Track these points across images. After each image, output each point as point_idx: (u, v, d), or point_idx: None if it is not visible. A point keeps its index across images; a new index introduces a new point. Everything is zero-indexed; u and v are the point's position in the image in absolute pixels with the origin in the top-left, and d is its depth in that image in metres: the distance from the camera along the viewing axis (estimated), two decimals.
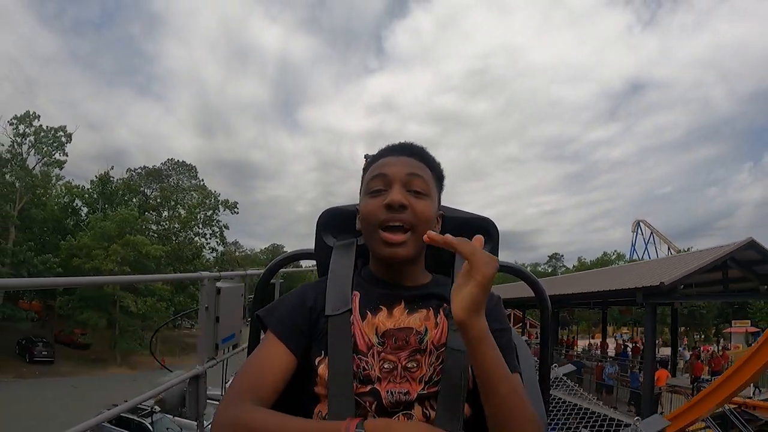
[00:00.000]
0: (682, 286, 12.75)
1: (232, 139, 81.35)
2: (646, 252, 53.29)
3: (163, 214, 40.90)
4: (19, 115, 29.64)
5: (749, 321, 29.80)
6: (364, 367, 0.84)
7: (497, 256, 1.07)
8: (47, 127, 30.25)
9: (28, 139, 29.93)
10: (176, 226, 39.95)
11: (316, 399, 0.86)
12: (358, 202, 1.01)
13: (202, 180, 43.15)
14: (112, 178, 38.95)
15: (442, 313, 0.90)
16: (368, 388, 0.83)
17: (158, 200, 40.78)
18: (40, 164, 31.18)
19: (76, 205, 37.62)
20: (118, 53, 75.21)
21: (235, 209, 41.96)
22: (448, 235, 0.74)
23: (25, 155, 30.15)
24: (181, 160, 43.18)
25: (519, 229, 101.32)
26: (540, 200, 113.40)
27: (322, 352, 0.86)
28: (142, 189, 41.19)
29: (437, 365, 0.85)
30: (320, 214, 1.10)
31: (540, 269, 67.45)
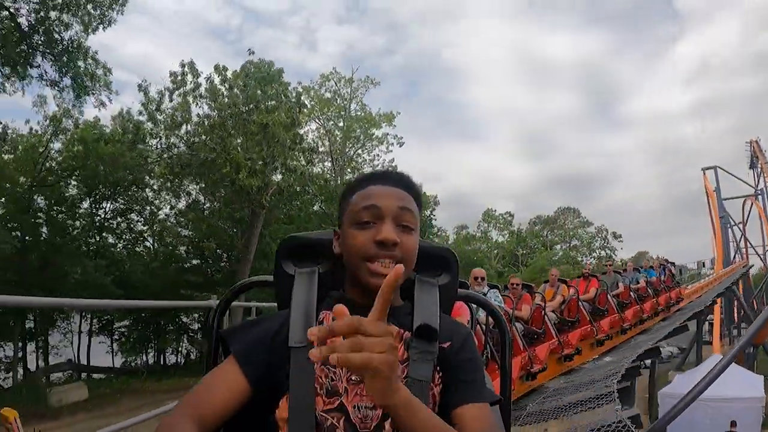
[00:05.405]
0: None
1: (560, 155, 79.52)
2: None
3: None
4: None
5: None
6: (331, 377, 0.83)
7: (457, 286, 1.09)
8: None
9: None
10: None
11: (275, 427, 0.86)
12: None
13: (585, 218, 52.49)
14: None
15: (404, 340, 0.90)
16: (336, 403, 0.82)
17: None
18: None
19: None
20: (436, 111, 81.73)
21: (619, 238, 48.60)
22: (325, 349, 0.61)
23: None
24: (565, 206, 53.26)
25: None
26: None
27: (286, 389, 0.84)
28: (547, 236, 52.91)
29: (404, 379, 0.84)
30: (281, 241, 1.10)
31: None
